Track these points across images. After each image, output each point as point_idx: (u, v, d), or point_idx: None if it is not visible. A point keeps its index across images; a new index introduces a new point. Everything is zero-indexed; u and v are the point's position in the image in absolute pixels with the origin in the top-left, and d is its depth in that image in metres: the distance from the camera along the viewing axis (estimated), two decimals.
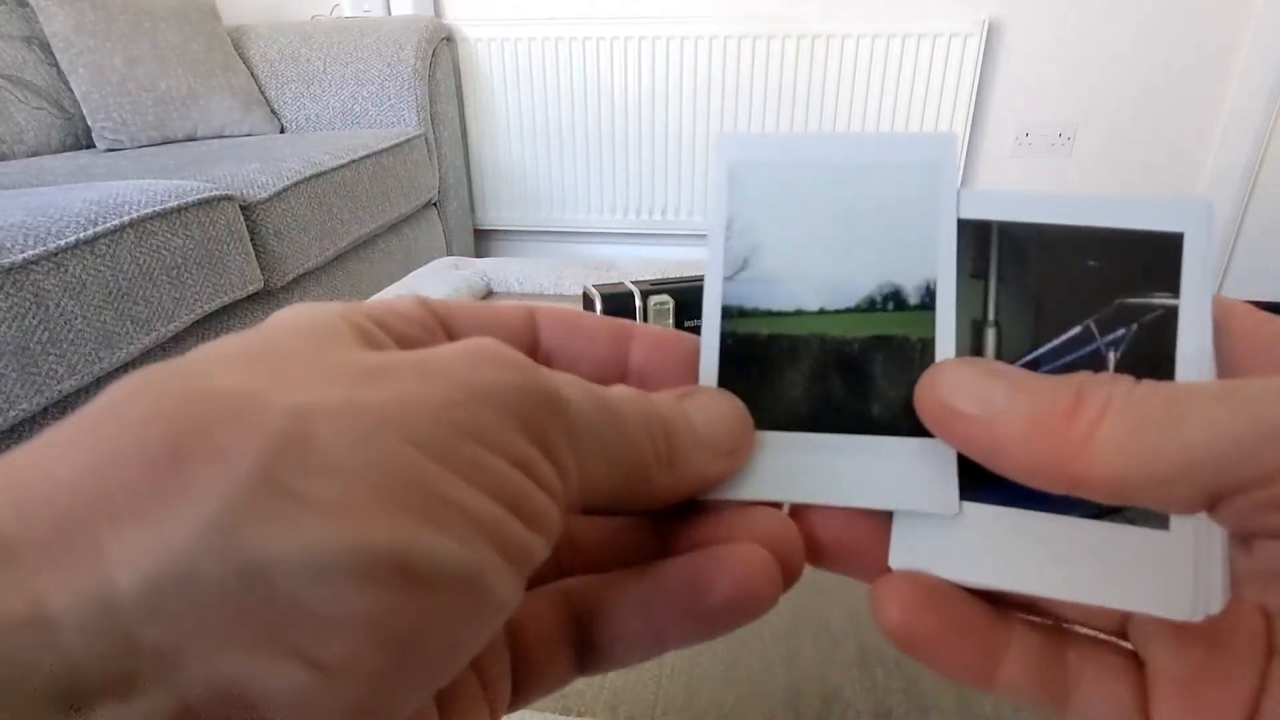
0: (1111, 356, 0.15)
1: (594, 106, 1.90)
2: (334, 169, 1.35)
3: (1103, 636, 0.17)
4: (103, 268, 0.88)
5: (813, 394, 0.17)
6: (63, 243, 0.83)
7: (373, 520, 0.10)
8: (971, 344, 0.16)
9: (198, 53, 1.59)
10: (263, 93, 1.72)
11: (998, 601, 0.17)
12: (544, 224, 2.06)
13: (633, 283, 0.47)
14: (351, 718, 0.10)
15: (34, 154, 1.46)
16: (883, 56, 1.75)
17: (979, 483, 0.16)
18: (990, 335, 0.16)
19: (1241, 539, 0.13)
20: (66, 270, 0.83)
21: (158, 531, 0.09)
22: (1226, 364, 0.15)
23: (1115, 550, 0.15)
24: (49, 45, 1.46)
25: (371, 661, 0.10)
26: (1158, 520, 0.15)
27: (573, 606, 0.17)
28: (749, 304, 0.17)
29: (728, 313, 0.18)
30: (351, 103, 1.71)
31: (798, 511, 0.17)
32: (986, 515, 0.16)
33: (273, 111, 1.72)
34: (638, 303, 0.46)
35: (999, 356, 0.16)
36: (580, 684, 0.36)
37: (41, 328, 0.81)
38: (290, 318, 0.13)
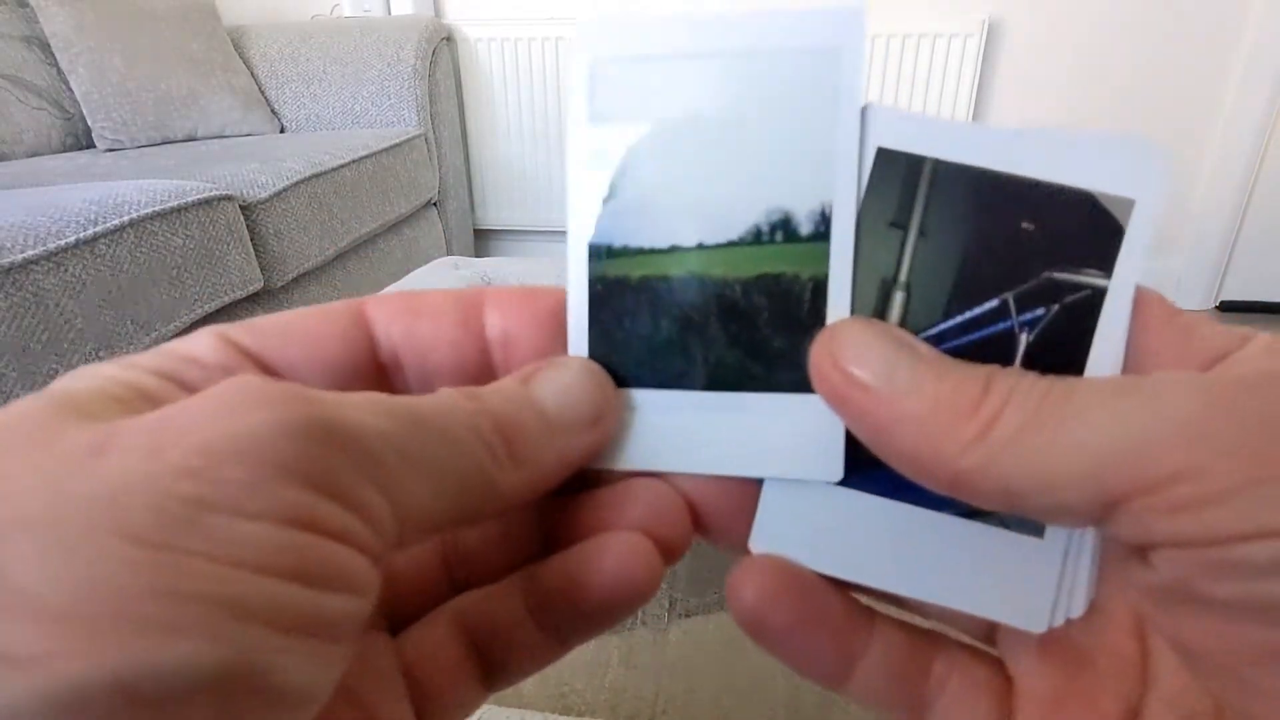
0: (1024, 338, 0.14)
1: None
2: (334, 169, 1.35)
3: (971, 643, 0.16)
4: (103, 268, 0.88)
5: (690, 345, 0.15)
6: (63, 243, 0.83)
7: (79, 653, 0.08)
8: (875, 306, 0.14)
9: (198, 53, 1.59)
10: (263, 93, 1.72)
11: (864, 594, 0.16)
12: (544, 224, 2.06)
13: None
14: None
15: (34, 154, 1.46)
16: (883, 56, 1.75)
17: (852, 468, 0.14)
18: (898, 299, 0.14)
19: (1138, 551, 0.12)
20: (66, 270, 0.83)
21: None
22: (1134, 356, 0.14)
23: (981, 553, 0.14)
24: (49, 45, 1.46)
25: None
26: (1033, 525, 0.14)
27: (468, 630, 0.16)
28: (618, 241, 0.15)
29: (595, 252, 0.15)
30: (351, 103, 1.71)
31: (679, 477, 0.15)
32: (856, 503, 0.14)
33: (273, 111, 1.72)
34: None
35: (903, 324, 0.14)
36: (580, 684, 0.36)
37: (41, 328, 0.81)
38: (41, 392, 0.12)
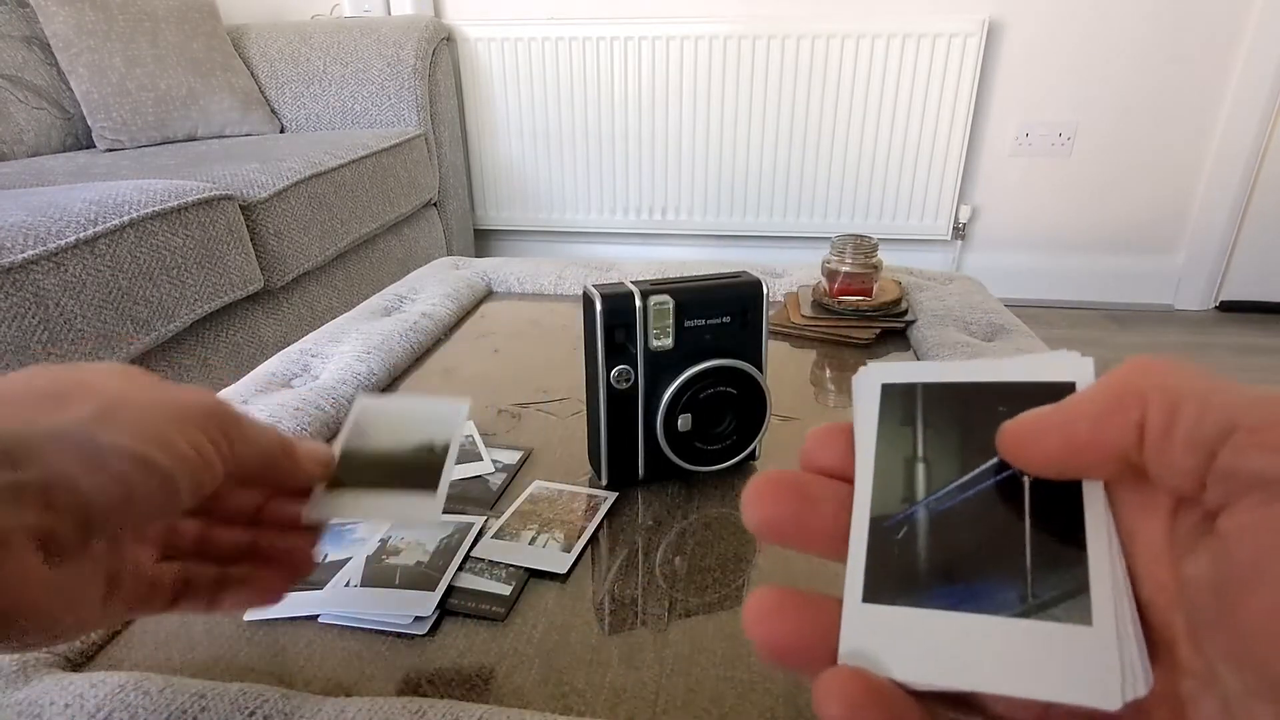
0: (1026, 480, 0.17)
1: (594, 106, 1.90)
2: (334, 169, 1.35)
3: None
4: (103, 268, 0.88)
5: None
6: (63, 243, 0.83)
7: (130, 434, 0.24)
8: (905, 478, 0.18)
9: (198, 53, 1.59)
10: (263, 93, 1.72)
11: (943, 705, 0.17)
12: (544, 224, 2.06)
13: (633, 283, 0.47)
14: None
15: (34, 154, 1.46)
16: (883, 56, 1.75)
17: (918, 588, 0.17)
18: (921, 468, 0.18)
19: (1209, 519, 0.14)
20: (66, 270, 0.83)
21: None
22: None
23: (1043, 644, 0.16)
24: (49, 45, 1.46)
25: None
26: (1079, 615, 0.16)
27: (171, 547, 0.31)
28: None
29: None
30: (351, 103, 1.71)
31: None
32: (928, 618, 0.17)
33: (273, 111, 1.72)
34: (638, 303, 0.46)
35: (929, 485, 0.18)
36: (580, 683, 0.36)
37: (41, 328, 0.81)
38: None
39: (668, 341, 0.47)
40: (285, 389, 0.63)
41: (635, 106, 1.88)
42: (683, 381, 0.48)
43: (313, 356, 0.69)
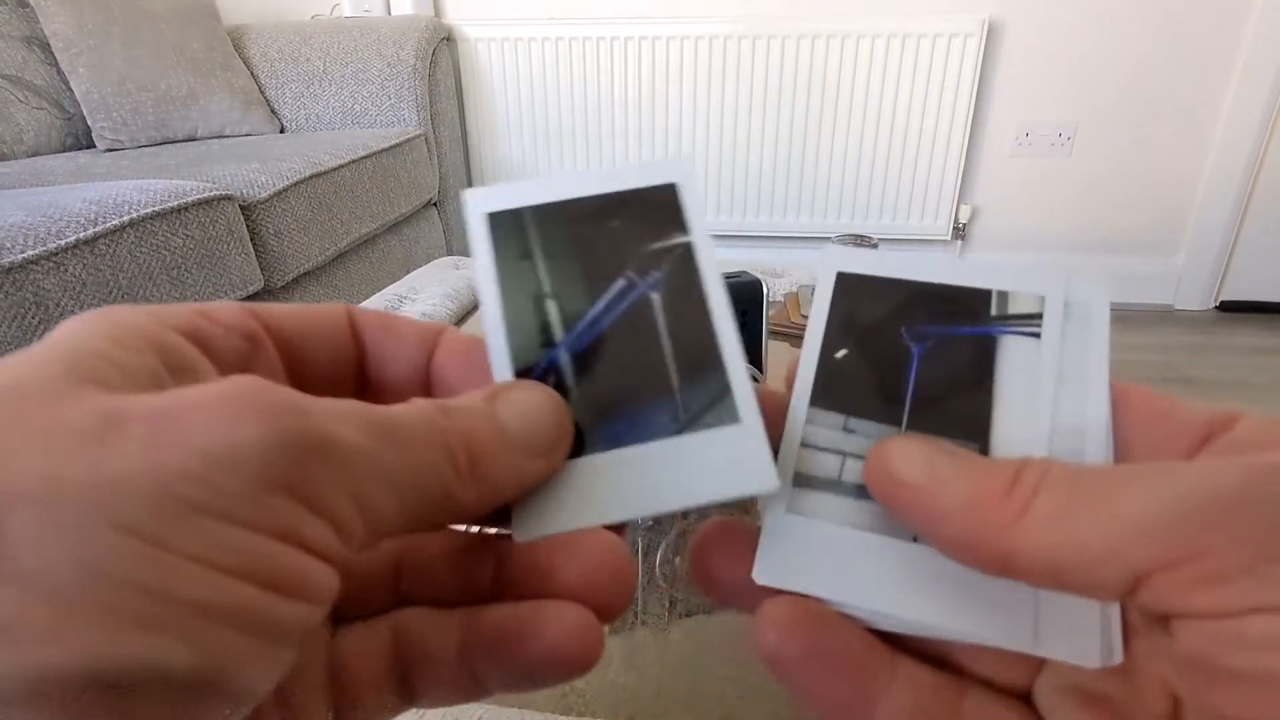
0: (655, 297, 0.17)
1: (594, 106, 1.90)
2: (334, 169, 1.35)
3: (1001, 685, 0.16)
4: (103, 268, 0.88)
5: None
6: (63, 243, 0.83)
7: (62, 636, 0.09)
8: (536, 316, 0.17)
9: (198, 53, 1.59)
10: (263, 93, 1.72)
11: (894, 643, 0.16)
12: None
13: None
14: None
15: (34, 154, 1.46)
16: (883, 56, 1.75)
17: (581, 433, 0.16)
18: (551, 305, 0.17)
19: (1161, 621, 0.13)
20: (66, 270, 0.83)
21: None
22: (1121, 446, 0.16)
23: (704, 454, 0.16)
24: (49, 45, 1.46)
25: None
26: (729, 416, 0.16)
27: (400, 647, 0.16)
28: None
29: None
30: (351, 103, 1.71)
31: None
32: (594, 463, 0.16)
33: (273, 111, 1.72)
34: None
35: (563, 321, 0.17)
36: (581, 683, 0.36)
37: (41, 327, 0.81)
38: (68, 334, 0.12)
39: None
40: None
41: (635, 106, 1.88)
42: None
43: None
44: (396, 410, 0.14)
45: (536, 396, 0.16)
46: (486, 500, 0.15)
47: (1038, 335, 0.17)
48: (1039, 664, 0.16)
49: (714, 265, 0.17)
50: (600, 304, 0.17)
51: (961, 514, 0.14)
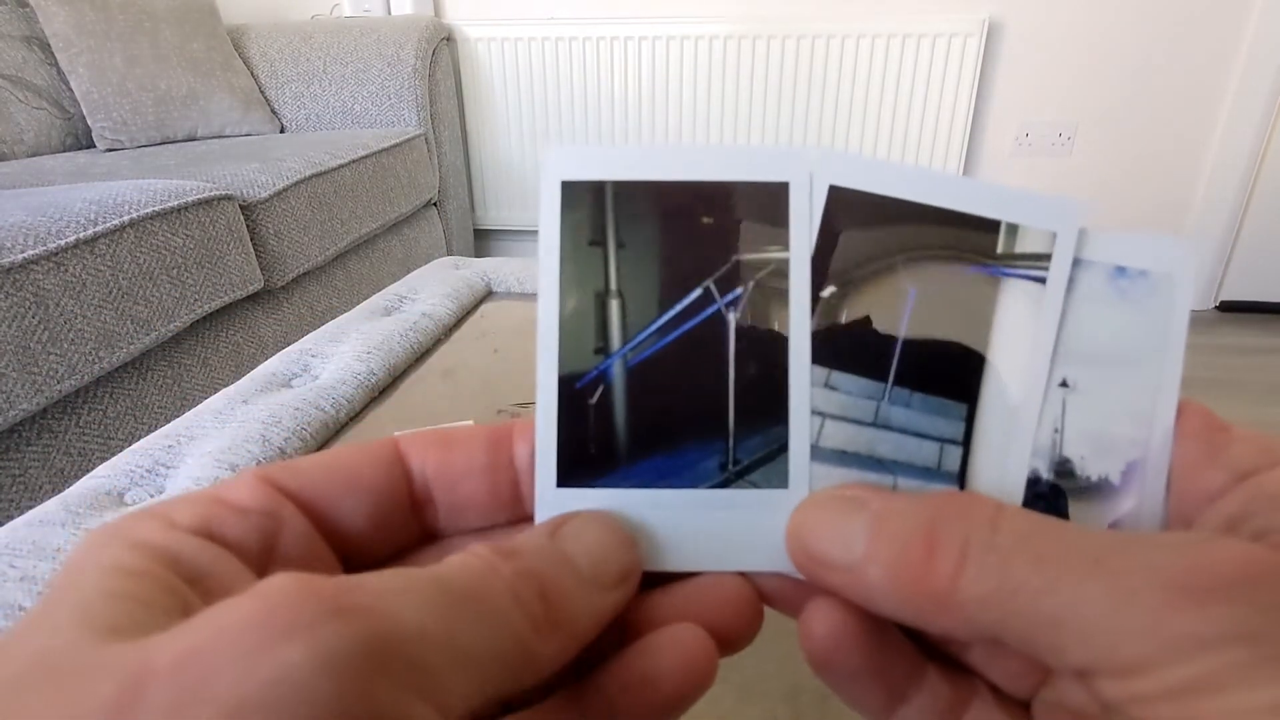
0: (731, 318, 0.15)
1: (594, 106, 1.90)
2: (334, 169, 1.35)
3: (1005, 694, 0.16)
4: (103, 267, 0.88)
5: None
6: (63, 243, 0.83)
7: None
8: (596, 315, 0.15)
9: (198, 53, 1.59)
10: (263, 92, 1.72)
11: (923, 645, 0.16)
12: None
13: None
14: None
15: (34, 154, 1.46)
16: (883, 56, 1.75)
17: (616, 464, 0.15)
18: (614, 305, 0.15)
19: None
20: (66, 270, 0.84)
21: None
22: (1178, 466, 0.15)
23: (744, 515, 0.15)
24: (49, 45, 1.46)
25: None
26: (777, 479, 0.15)
27: None
28: None
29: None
30: (351, 102, 1.71)
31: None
32: (625, 499, 0.15)
33: (273, 111, 1.72)
34: None
35: (624, 327, 0.15)
36: None
37: (41, 327, 0.81)
38: (77, 575, 0.11)
39: None
40: (285, 389, 0.63)
41: (635, 106, 1.88)
42: None
43: (313, 356, 0.69)
44: (456, 569, 0.12)
45: (600, 523, 0.15)
46: (567, 649, 0.13)
47: (1043, 280, 0.15)
48: (1045, 675, 0.16)
49: (807, 293, 0.15)
50: (669, 314, 0.15)
51: (893, 592, 0.13)
